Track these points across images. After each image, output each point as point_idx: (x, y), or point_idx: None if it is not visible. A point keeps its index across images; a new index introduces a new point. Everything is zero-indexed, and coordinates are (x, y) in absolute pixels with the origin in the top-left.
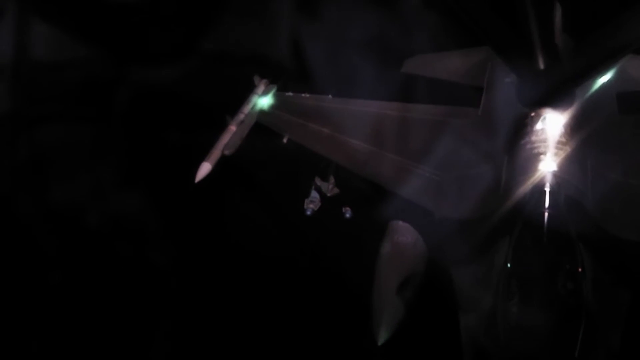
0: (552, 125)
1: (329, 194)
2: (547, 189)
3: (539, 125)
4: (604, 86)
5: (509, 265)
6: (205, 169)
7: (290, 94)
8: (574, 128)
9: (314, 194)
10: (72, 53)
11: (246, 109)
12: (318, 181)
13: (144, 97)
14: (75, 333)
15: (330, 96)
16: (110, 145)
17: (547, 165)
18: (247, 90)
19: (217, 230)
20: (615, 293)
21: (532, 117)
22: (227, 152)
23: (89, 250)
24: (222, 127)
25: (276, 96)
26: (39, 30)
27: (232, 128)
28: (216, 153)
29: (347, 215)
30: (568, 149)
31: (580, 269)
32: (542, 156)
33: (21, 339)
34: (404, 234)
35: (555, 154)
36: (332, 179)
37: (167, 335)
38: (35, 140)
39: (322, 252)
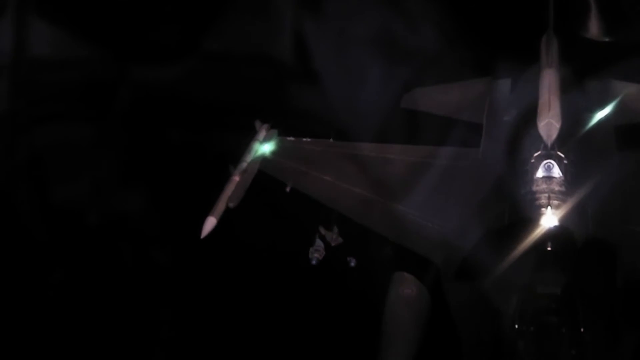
0: (551, 172)
1: (333, 244)
2: (549, 248)
3: (539, 173)
4: (602, 121)
5: (516, 326)
6: (210, 223)
7: (292, 138)
8: (573, 174)
9: (319, 243)
10: (72, 52)
11: (248, 157)
12: (322, 230)
13: (145, 97)
14: (75, 332)
15: (331, 140)
16: (111, 145)
17: (549, 221)
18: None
19: (223, 273)
20: (619, 348)
21: (532, 163)
22: (231, 205)
23: (89, 249)
24: (225, 173)
25: (277, 142)
26: (39, 30)
27: (236, 178)
28: (221, 206)
29: (352, 264)
30: (568, 199)
31: (582, 329)
32: (543, 209)
33: (21, 338)
34: (409, 286)
35: (557, 207)
36: (335, 229)
37: (167, 335)
38: (35, 140)
39: (327, 303)
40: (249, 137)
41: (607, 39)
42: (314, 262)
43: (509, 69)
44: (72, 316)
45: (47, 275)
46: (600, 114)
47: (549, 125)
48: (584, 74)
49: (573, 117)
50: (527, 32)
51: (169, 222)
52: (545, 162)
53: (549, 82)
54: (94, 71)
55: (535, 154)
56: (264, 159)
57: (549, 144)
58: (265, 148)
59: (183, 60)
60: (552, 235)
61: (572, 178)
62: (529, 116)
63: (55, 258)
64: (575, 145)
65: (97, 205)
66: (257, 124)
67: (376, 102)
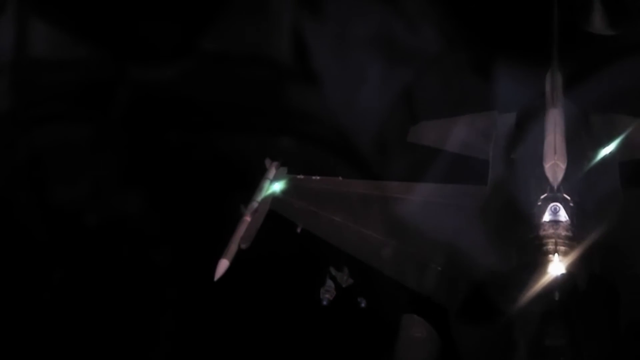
0: (558, 216)
1: (344, 285)
2: (557, 297)
3: (546, 217)
4: (606, 157)
5: None
6: (223, 265)
7: (301, 176)
8: (579, 217)
9: (329, 283)
10: (71, 53)
11: (259, 196)
12: (333, 270)
13: (144, 97)
14: (75, 332)
15: (340, 178)
16: (110, 145)
17: (556, 268)
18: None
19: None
20: None
21: (539, 205)
22: (243, 246)
23: (88, 250)
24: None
25: (288, 180)
26: (39, 30)
27: (247, 219)
28: (233, 248)
29: (362, 305)
30: (575, 244)
31: None
32: (550, 256)
33: (21, 338)
34: (418, 329)
35: (564, 253)
36: (346, 270)
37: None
38: (35, 140)
39: (337, 344)
40: (260, 176)
41: (609, 33)
42: (324, 302)
43: (514, 102)
44: (72, 317)
45: (46, 276)
46: (604, 150)
47: (554, 166)
48: (588, 107)
49: (578, 155)
50: (531, 62)
51: (169, 223)
52: (551, 204)
53: (554, 122)
54: (92, 72)
55: (542, 197)
56: (274, 198)
57: (555, 186)
58: (275, 187)
59: (182, 61)
60: (559, 284)
61: (578, 221)
62: (535, 155)
63: (55, 258)
64: (581, 185)
65: (96, 206)
66: (267, 162)
67: (375, 103)
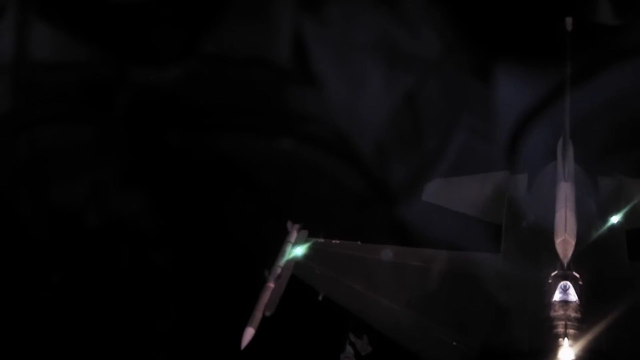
0: (568, 295)
1: (363, 354)
2: None
3: (556, 296)
4: (614, 226)
5: None
6: (249, 334)
7: (321, 240)
8: (588, 296)
9: (349, 350)
10: (73, 54)
11: (282, 261)
12: (352, 337)
13: (145, 99)
14: (74, 333)
15: (359, 242)
16: (112, 146)
17: (566, 354)
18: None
19: None
20: None
21: (550, 283)
22: (268, 313)
23: (89, 249)
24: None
25: (309, 244)
26: (40, 30)
27: (271, 285)
28: (258, 315)
29: None
30: (584, 327)
31: None
32: (560, 340)
33: (21, 338)
34: None
35: (573, 337)
36: (365, 338)
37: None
38: (35, 140)
39: None
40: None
41: (617, 23)
42: None
43: (526, 163)
44: (71, 317)
45: (47, 276)
46: (612, 219)
47: (565, 243)
48: (596, 170)
49: (587, 227)
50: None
51: (170, 224)
52: (561, 283)
53: (565, 197)
54: (94, 73)
55: (553, 274)
56: (296, 263)
57: (565, 263)
58: (297, 251)
59: (184, 63)
60: None
61: (587, 301)
62: (546, 227)
63: (56, 258)
64: (590, 260)
65: (97, 206)
66: (289, 225)
67: (376, 106)
